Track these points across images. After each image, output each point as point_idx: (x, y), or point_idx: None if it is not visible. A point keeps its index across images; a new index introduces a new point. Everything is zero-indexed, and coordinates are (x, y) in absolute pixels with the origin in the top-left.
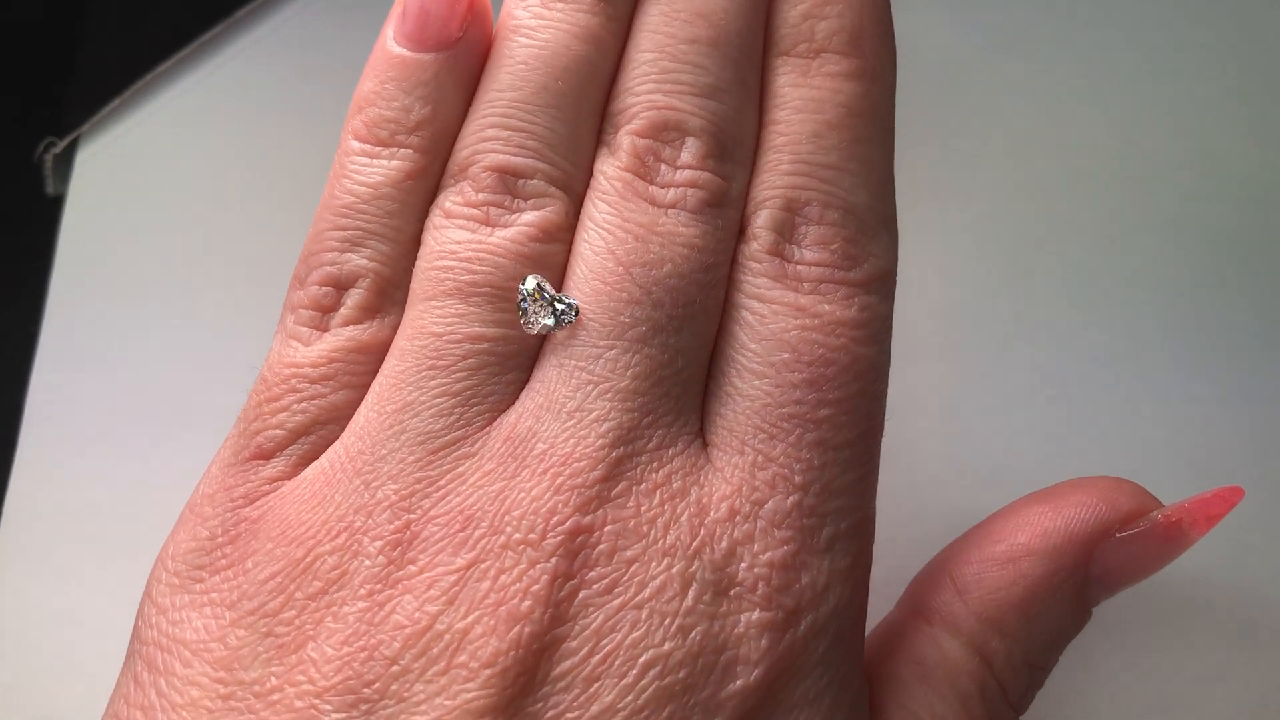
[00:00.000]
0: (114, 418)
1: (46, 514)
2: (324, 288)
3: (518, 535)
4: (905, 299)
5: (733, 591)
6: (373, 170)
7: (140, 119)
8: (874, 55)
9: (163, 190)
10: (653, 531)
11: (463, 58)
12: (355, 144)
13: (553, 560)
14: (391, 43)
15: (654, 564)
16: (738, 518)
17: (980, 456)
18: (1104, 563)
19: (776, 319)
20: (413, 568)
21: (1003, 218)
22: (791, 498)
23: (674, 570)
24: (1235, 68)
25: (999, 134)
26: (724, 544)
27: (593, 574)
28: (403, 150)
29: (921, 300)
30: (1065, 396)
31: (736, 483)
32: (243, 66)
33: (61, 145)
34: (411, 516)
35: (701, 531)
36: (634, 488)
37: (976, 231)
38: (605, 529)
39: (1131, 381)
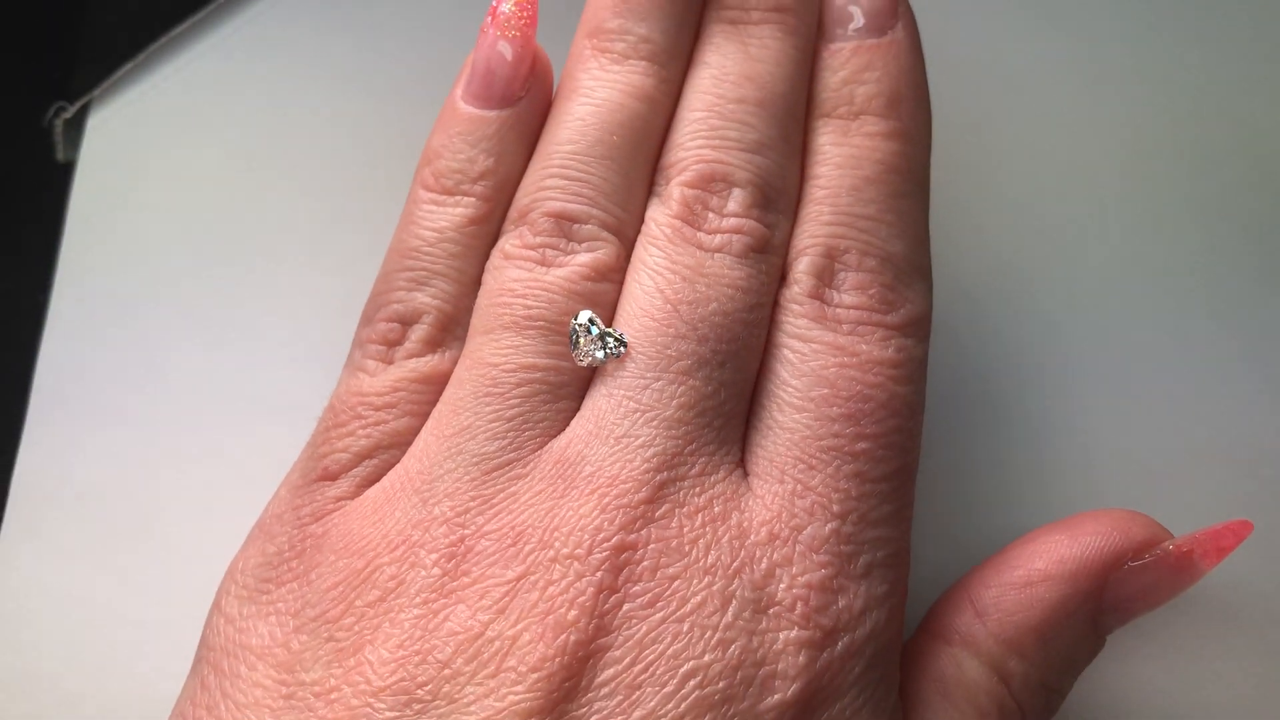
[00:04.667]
0: (124, 392)
1: (54, 491)
2: (391, 324)
3: (565, 550)
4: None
5: (771, 610)
6: (438, 216)
7: (154, 83)
8: (910, 118)
9: (176, 158)
10: (694, 551)
11: (525, 115)
12: (423, 193)
13: (598, 574)
14: (460, 100)
15: (695, 581)
16: (777, 541)
17: (1010, 465)
18: (1117, 591)
19: (816, 357)
20: (466, 579)
21: (1039, 209)
22: (830, 525)
23: (714, 588)
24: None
25: (1035, 121)
26: (763, 565)
27: (636, 588)
28: (467, 199)
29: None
30: (1102, 395)
31: (776, 509)
32: (260, 29)
33: (72, 110)
34: (466, 531)
35: (742, 553)
36: (677, 510)
37: (1013, 224)
38: (649, 546)
39: (1173, 378)
